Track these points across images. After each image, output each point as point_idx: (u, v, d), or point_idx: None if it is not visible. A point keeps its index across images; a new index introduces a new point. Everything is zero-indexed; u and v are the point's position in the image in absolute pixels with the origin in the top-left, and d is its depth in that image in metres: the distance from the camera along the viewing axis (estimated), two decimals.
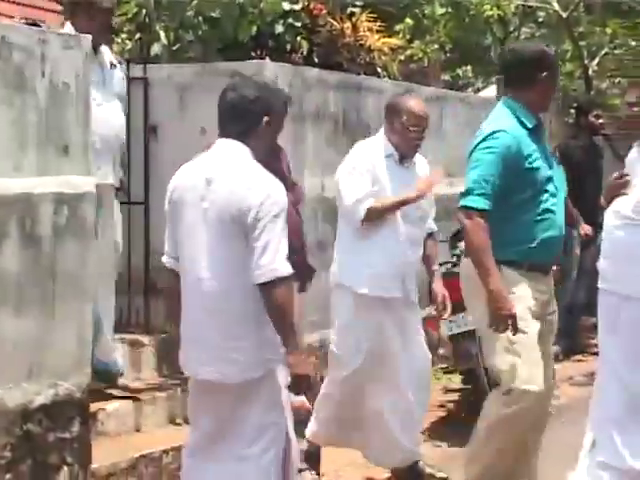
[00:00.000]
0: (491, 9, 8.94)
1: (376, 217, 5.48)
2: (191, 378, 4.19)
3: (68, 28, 5.58)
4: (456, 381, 7.67)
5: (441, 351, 7.54)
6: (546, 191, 4.73)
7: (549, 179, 4.75)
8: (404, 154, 5.61)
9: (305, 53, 7.38)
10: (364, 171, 5.50)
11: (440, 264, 6.09)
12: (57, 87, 4.80)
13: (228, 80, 6.41)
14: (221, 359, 4.01)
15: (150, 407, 5.83)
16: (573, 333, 9.09)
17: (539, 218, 4.74)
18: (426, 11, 9.08)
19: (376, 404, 5.56)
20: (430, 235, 5.78)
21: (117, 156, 5.71)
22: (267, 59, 6.90)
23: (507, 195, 4.66)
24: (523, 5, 11.26)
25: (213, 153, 4.13)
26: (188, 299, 4.09)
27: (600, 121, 9.21)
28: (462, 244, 7.29)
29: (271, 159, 5.54)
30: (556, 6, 10.60)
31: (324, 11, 7.73)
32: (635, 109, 5.21)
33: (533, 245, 4.72)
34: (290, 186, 5.66)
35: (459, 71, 14.37)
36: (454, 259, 6.95)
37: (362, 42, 7.86)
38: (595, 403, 5.58)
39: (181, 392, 5.66)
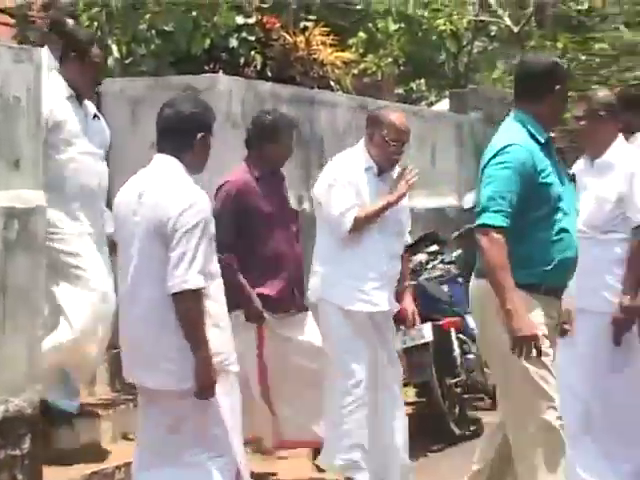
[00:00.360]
0: (444, 24, 8.99)
1: (362, 226, 5.44)
2: (138, 388, 4.35)
3: (55, 76, 5.51)
4: (410, 395, 7.67)
5: None
6: (560, 209, 4.48)
7: (562, 196, 4.51)
8: (382, 167, 5.56)
9: (259, 67, 7.38)
10: (345, 183, 5.46)
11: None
12: (8, 101, 4.76)
13: (181, 93, 6.46)
14: (156, 368, 4.15)
15: (103, 422, 5.78)
16: None
17: (555, 238, 4.46)
18: (379, 25, 9.10)
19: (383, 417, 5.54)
20: (405, 250, 5.76)
21: (102, 205, 5.64)
22: (220, 73, 6.89)
23: (523, 212, 4.40)
24: (475, 20, 11.36)
25: (149, 168, 4.26)
26: (122, 309, 4.29)
27: None
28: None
29: (277, 187, 5.64)
30: (507, 21, 10.71)
31: (277, 25, 7.74)
32: (582, 123, 5.25)
33: (549, 267, 4.42)
34: (293, 215, 5.82)
35: (413, 85, 14.45)
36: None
37: (315, 56, 7.87)
38: None
39: (134, 407, 5.60)
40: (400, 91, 13.80)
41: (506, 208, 4.33)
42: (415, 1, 7.05)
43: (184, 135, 4.19)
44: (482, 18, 11.08)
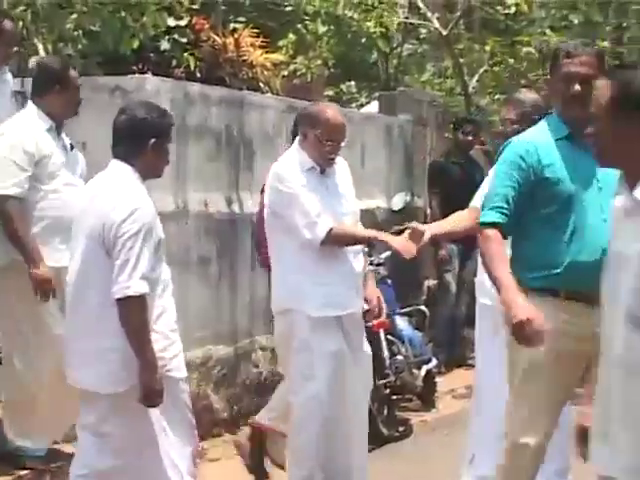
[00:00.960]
0: (374, 26, 9.04)
1: (336, 242, 5.17)
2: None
3: (31, 107, 5.50)
4: None
5: None
6: (572, 208, 4.19)
7: (576, 195, 4.21)
8: (321, 166, 5.24)
9: (191, 68, 7.35)
10: (299, 187, 5.16)
11: None
12: None
13: (108, 95, 6.40)
14: (93, 369, 4.22)
15: None
16: (454, 345, 9.22)
17: (566, 239, 4.18)
18: (309, 27, 9.12)
19: (345, 421, 5.29)
20: None
21: None
22: (149, 74, 6.84)
23: (528, 209, 4.21)
24: (405, 22, 11.41)
25: (102, 173, 4.38)
26: (67, 311, 4.38)
27: (469, 137, 9.20)
28: None
29: None
30: (436, 23, 10.78)
31: (207, 26, 7.72)
32: (515, 126, 5.31)
33: (559, 270, 4.16)
34: None
35: (342, 87, 14.49)
36: None
37: (245, 57, 7.87)
38: (475, 418, 5.68)
39: None
40: (330, 93, 13.82)
41: (502, 204, 4.18)
42: (344, 3, 7.06)
43: (136, 141, 4.26)
44: (411, 21, 11.14)
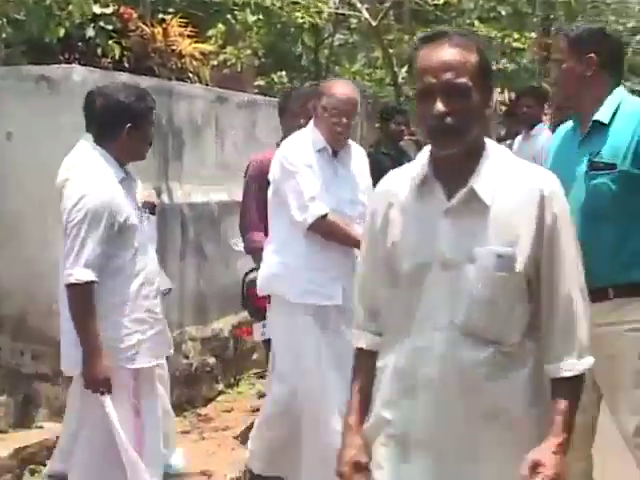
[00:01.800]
0: (302, 17, 9.04)
1: (324, 233, 4.88)
2: None
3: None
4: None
5: (254, 356, 7.57)
6: None
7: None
8: (334, 146, 5.04)
9: (117, 57, 7.27)
10: (303, 166, 4.95)
11: (247, 272, 5.83)
12: None
13: (34, 84, 6.30)
14: (63, 351, 4.39)
15: None
16: None
17: None
18: (238, 17, 9.08)
19: (312, 423, 4.96)
20: None
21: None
22: (76, 63, 6.75)
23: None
24: (336, 13, 11.43)
25: (70, 154, 4.35)
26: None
27: (401, 128, 9.23)
28: None
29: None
30: (366, 14, 10.81)
31: (135, 15, 7.64)
32: None
33: None
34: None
35: (274, 77, 14.47)
36: None
37: (173, 47, 7.79)
38: None
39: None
40: (261, 83, 13.80)
41: None
42: None
43: (110, 125, 4.22)
44: (341, 11, 11.16)
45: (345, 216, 5.00)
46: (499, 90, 13.70)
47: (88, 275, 4.08)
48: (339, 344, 4.83)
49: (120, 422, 4.28)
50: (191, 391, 6.78)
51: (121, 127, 4.21)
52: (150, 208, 5.06)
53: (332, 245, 4.94)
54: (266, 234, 5.34)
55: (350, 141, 5.23)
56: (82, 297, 4.10)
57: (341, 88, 5.06)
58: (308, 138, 5.07)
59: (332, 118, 4.97)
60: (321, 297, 4.94)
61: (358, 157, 5.24)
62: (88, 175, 4.19)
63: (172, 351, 4.78)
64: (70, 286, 4.11)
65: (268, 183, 5.21)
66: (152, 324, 4.38)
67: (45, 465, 5.55)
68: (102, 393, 4.20)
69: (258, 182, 5.66)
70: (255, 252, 5.59)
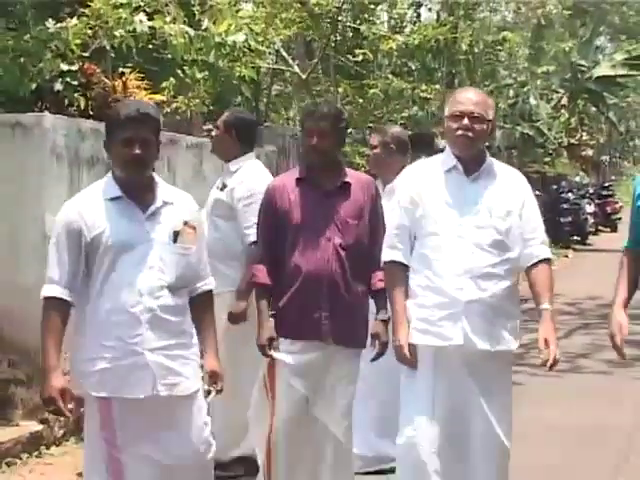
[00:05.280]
0: (240, 72, 9.15)
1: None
2: None
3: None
4: None
5: None
6: None
7: None
8: (465, 163, 4.08)
9: (82, 107, 7.29)
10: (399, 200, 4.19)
11: None
12: None
13: (10, 129, 6.30)
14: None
15: None
16: None
17: None
18: (187, 72, 9.17)
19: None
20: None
21: None
22: (46, 112, 6.77)
23: None
24: (273, 68, 11.57)
25: None
26: None
27: None
28: None
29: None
30: (297, 69, 10.94)
31: (98, 71, 7.68)
32: (375, 151, 5.51)
33: None
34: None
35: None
36: None
37: (132, 97, 7.83)
38: (361, 401, 5.49)
39: None
40: (210, 127, 13.87)
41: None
42: (215, 53, 7.15)
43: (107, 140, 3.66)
44: (275, 66, 11.28)
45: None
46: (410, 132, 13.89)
47: (49, 290, 3.55)
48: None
49: (90, 452, 3.63)
50: None
51: (107, 144, 3.66)
52: None
53: None
54: None
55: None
56: (43, 312, 3.56)
57: (461, 91, 4.32)
58: (438, 158, 4.25)
59: (454, 124, 4.06)
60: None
61: (507, 180, 4.17)
62: (82, 193, 3.74)
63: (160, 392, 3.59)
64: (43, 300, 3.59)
65: None
66: (124, 354, 3.54)
67: (21, 459, 5.54)
68: (53, 413, 3.59)
69: None
70: None
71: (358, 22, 12.25)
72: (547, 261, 4.01)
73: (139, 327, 3.53)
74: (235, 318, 5.19)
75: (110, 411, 3.52)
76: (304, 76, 10.71)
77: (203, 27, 7.41)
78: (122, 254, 3.54)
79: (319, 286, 4.38)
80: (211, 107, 10.53)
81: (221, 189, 5.50)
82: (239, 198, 5.34)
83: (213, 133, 5.76)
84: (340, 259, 4.41)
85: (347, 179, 4.53)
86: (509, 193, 4.08)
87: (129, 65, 8.21)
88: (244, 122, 5.67)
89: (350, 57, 11.90)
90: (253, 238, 4.96)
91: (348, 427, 4.53)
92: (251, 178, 5.42)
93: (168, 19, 7.27)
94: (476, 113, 3.99)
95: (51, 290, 3.54)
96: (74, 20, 6.95)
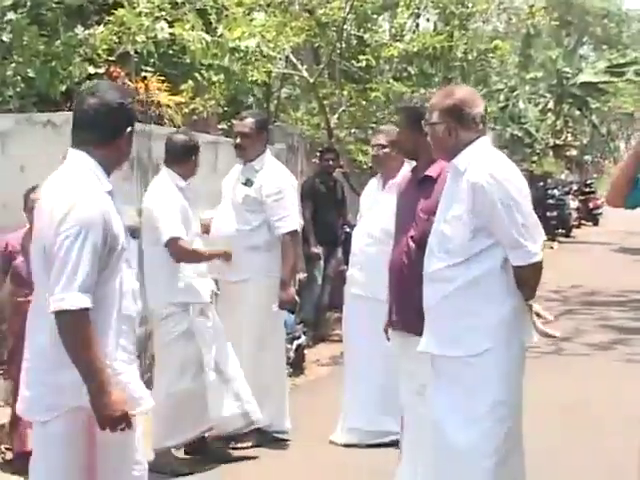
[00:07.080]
0: (252, 76, 9.16)
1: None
2: None
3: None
4: None
5: None
6: None
7: None
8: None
9: None
10: None
11: None
12: None
13: (42, 127, 6.33)
14: (23, 394, 3.00)
15: None
16: (319, 325, 9.35)
17: None
18: (204, 75, 9.18)
19: None
20: None
21: None
22: None
23: None
24: (282, 72, 11.58)
25: (62, 165, 3.04)
26: None
27: (330, 162, 9.24)
28: None
29: None
30: (305, 73, 10.95)
31: (122, 74, 7.70)
32: (378, 150, 5.51)
33: None
34: None
35: (234, 122, 14.52)
36: None
37: (153, 99, 7.86)
38: (348, 381, 5.67)
39: None
40: (224, 127, 13.87)
41: None
42: (229, 58, 7.19)
43: (110, 128, 2.96)
44: (284, 71, 11.29)
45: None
46: None
47: (84, 301, 2.75)
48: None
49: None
50: None
51: (122, 131, 2.97)
52: (131, 231, 3.92)
53: None
54: None
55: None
56: (77, 326, 2.74)
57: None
58: None
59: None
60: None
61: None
62: (77, 184, 2.91)
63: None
64: (62, 313, 2.74)
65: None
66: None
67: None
68: (123, 429, 2.84)
69: None
70: None
71: (362, 31, 12.23)
72: None
73: (133, 334, 3.04)
74: (285, 303, 5.34)
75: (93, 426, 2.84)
76: (312, 80, 10.71)
77: (219, 34, 7.44)
78: (122, 257, 2.98)
79: None
80: (226, 108, 10.53)
81: (245, 184, 5.60)
82: (268, 194, 5.52)
83: (238, 140, 5.70)
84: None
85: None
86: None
87: (151, 69, 8.24)
88: (269, 123, 5.80)
89: (354, 63, 11.87)
90: (284, 230, 5.36)
91: None
92: (277, 176, 5.61)
93: (187, 27, 7.30)
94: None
95: (83, 300, 2.77)
96: (101, 27, 6.99)
